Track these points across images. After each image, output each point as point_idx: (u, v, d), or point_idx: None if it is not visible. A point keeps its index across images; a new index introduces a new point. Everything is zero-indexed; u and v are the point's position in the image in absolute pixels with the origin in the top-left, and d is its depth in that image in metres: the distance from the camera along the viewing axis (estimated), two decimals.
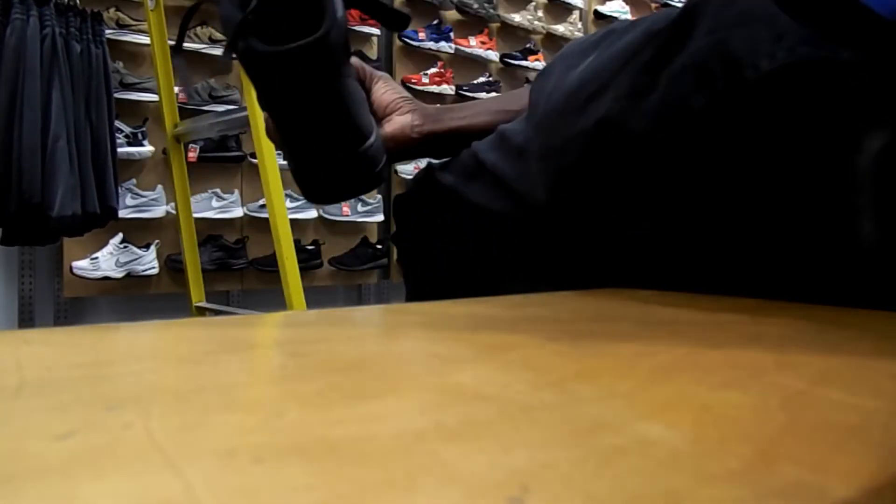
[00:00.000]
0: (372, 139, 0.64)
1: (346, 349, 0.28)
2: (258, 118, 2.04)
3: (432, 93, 3.81)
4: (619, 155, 0.47)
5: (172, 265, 3.07)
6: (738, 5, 0.41)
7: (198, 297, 2.50)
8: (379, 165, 0.65)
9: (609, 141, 0.47)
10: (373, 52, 3.74)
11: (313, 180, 0.65)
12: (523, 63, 4.10)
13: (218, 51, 3.14)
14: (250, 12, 0.53)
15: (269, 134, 0.65)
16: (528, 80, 4.09)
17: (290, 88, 0.58)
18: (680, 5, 0.45)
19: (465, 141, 0.65)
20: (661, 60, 0.44)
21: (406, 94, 0.70)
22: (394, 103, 0.68)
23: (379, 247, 3.67)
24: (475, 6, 3.94)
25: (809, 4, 0.36)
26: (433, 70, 3.84)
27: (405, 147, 0.67)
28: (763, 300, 0.41)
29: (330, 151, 0.62)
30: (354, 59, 0.64)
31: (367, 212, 3.63)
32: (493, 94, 3.91)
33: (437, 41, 3.84)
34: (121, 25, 2.93)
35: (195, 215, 2.64)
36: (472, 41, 3.97)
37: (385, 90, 0.68)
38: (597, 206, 0.50)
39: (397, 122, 0.67)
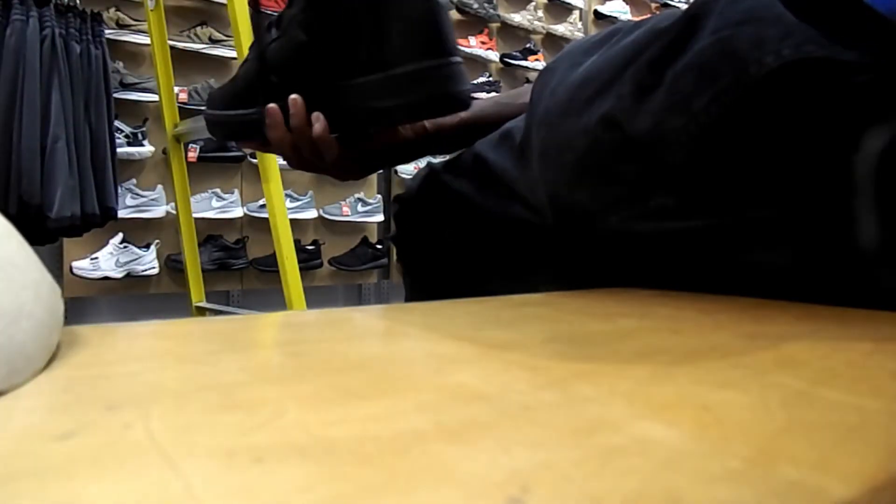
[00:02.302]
0: None
1: (346, 349, 0.28)
2: None
3: None
4: (620, 153, 0.47)
5: (172, 265, 3.07)
6: (744, 4, 0.41)
7: (198, 297, 2.50)
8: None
9: (611, 139, 0.47)
10: None
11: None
12: (523, 63, 4.10)
13: (218, 51, 3.14)
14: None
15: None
16: (528, 81, 4.09)
17: None
18: (682, 6, 0.45)
19: (473, 135, 0.65)
20: (665, 59, 0.44)
21: None
22: None
23: (379, 247, 3.67)
24: (475, 6, 3.94)
25: (814, 4, 0.36)
26: None
27: (418, 142, 0.66)
28: (763, 300, 0.41)
29: None
30: None
31: (367, 212, 3.63)
32: (494, 94, 3.91)
33: None
34: (121, 25, 2.93)
35: (195, 215, 2.64)
36: (472, 41, 3.96)
37: None
38: (597, 204, 0.50)
39: None
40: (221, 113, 0.66)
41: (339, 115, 0.59)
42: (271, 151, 0.67)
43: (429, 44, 0.56)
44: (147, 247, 3.03)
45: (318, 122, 0.59)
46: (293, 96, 0.59)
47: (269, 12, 3.13)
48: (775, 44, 0.39)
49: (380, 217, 3.66)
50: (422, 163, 0.73)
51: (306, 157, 0.62)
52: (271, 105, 0.60)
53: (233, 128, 0.66)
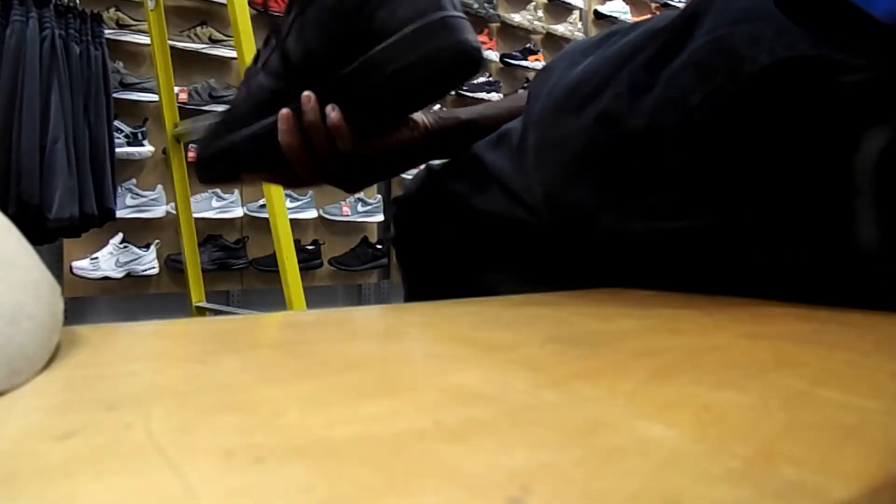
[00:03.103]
0: None
1: (346, 349, 0.28)
2: None
3: None
4: (616, 152, 0.47)
5: (172, 265, 3.07)
6: (741, 3, 0.41)
7: (198, 297, 2.50)
8: None
9: (606, 137, 0.47)
10: None
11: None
12: (523, 63, 4.10)
13: (218, 51, 3.14)
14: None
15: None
16: (528, 81, 4.09)
17: None
18: (681, 6, 0.45)
19: (475, 138, 0.65)
20: (661, 59, 0.45)
21: None
22: None
23: (379, 247, 3.67)
24: (475, 6, 3.94)
25: (808, 7, 0.36)
26: None
27: (420, 144, 0.66)
28: (763, 300, 0.41)
29: None
30: None
31: (367, 212, 3.63)
32: (494, 94, 3.91)
33: None
34: (121, 25, 2.93)
35: (195, 215, 2.64)
36: None
37: None
38: (593, 203, 0.50)
39: (413, 118, 0.67)
40: (232, 139, 0.65)
41: (355, 98, 0.59)
42: (274, 181, 0.68)
43: (426, 1, 0.57)
44: (147, 247, 3.03)
45: (334, 111, 0.59)
46: (305, 93, 0.59)
47: (272, 13, 3.14)
48: (770, 42, 0.39)
49: (380, 217, 3.66)
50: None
51: (318, 159, 0.62)
52: (284, 110, 0.60)
53: (247, 145, 0.64)
